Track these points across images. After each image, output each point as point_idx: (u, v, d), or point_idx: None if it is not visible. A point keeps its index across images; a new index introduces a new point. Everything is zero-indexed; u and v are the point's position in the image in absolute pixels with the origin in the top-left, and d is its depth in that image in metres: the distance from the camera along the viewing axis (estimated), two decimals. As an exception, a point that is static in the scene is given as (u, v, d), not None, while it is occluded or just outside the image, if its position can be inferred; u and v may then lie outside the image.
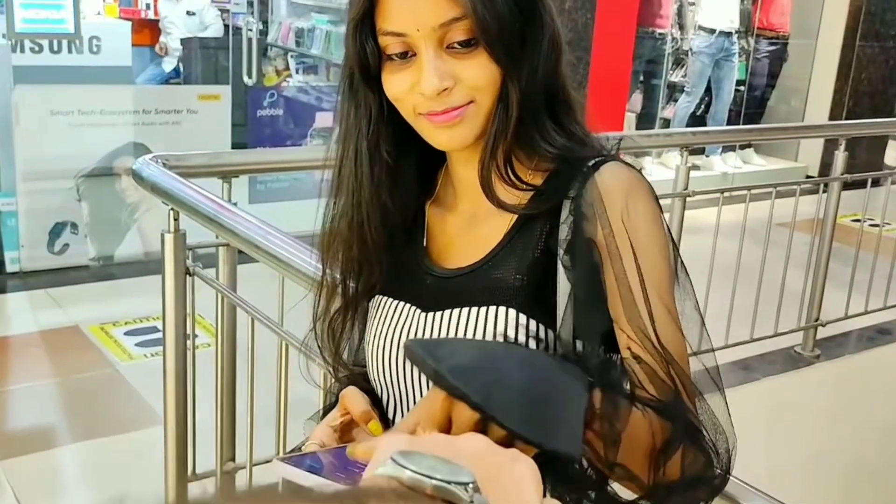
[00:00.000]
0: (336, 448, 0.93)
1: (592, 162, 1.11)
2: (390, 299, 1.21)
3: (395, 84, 1.10)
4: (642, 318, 1.05)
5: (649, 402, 1.02)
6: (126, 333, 4.55)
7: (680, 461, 1.02)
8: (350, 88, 1.16)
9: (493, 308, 1.10)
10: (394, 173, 1.18)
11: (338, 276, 1.24)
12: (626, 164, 1.13)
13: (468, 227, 1.19)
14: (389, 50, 1.09)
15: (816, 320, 4.71)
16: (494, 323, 1.09)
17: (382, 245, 1.20)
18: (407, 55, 1.09)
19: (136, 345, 4.41)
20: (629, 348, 1.06)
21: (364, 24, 1.09)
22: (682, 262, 1.13)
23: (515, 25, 1.07)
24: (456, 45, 1.07)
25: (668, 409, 1.02)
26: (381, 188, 1.17)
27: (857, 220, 5.10)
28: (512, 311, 1.09)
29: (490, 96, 1.09)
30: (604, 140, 1.17)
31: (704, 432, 1.04)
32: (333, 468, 0.90)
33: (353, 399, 1.12)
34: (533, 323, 1.09)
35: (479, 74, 1.07)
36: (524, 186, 1.12)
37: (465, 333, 1.11)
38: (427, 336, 1.14)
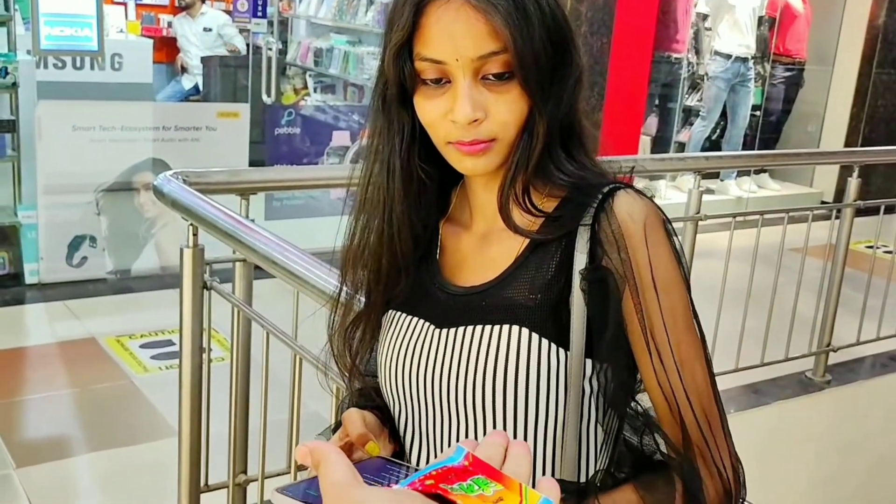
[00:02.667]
0: None
1: (606, 189, 1.14)
2: (404, 314, 1.23)
3: (429, 110, 1.13)
4: (665, 360, 1.09)
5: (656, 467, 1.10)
6: (142, 346, 4.59)
7: None
8: (383, 106, 1.19)
9: (506, 326, 1.12)
10: (420, 190, 1.22)
11: (359, 288, 1.26)
12: (639, 191, 1.15)
13: (481, 247, 1.22)
14: (425, 75, 1.12)
15: (828, 345, 4.70)
16: (508, 341, 1.12)
17: (411, 257, 1.23)
18: (441, 81, 1.11)
19: (152, 357, 4.46)
20: (652, 388, 1.11)
21: (404, 47, 1.12)
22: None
23: (549, 62, 1.11)
24: (491, 77, 1.10)
25: (678, 468, 1.09)
26: (412, 204, 1.21)
27: (871, 247, 5.10)
28: (525, 330, 1.11)
29: (514, 130, 1.12)
30: (614, 166, 1.20)
31: (723, 471, 1.10)
32: None
33: (351, 421, 1.14)
34: (545, 342, 1.11)
35: (508, 110, 1.11)
36: (538, 212, 1.15)
37: (478, 350, 1.13)
38: (440, 353, 1.17)
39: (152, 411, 3.95)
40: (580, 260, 1.12)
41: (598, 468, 1.14)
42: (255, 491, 2.66)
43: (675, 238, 1.14)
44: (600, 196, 1.13)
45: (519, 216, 1.16)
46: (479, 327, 1.15)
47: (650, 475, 1.10)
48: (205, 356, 2.66)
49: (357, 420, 1.13)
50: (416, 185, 1.21)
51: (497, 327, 1.13)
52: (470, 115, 1.09)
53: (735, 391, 4.34)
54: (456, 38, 1.08)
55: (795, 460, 4.24)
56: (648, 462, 1.12)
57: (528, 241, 1.16)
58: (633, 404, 1.14)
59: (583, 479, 1.15)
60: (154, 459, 3.51)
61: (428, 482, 0.75)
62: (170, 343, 4.50)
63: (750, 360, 4.28)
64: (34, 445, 3.71)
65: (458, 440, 1.15)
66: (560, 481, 0.83)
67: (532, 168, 1.14)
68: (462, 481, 0.75)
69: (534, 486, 0.78)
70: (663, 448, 1.11)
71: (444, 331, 1.18)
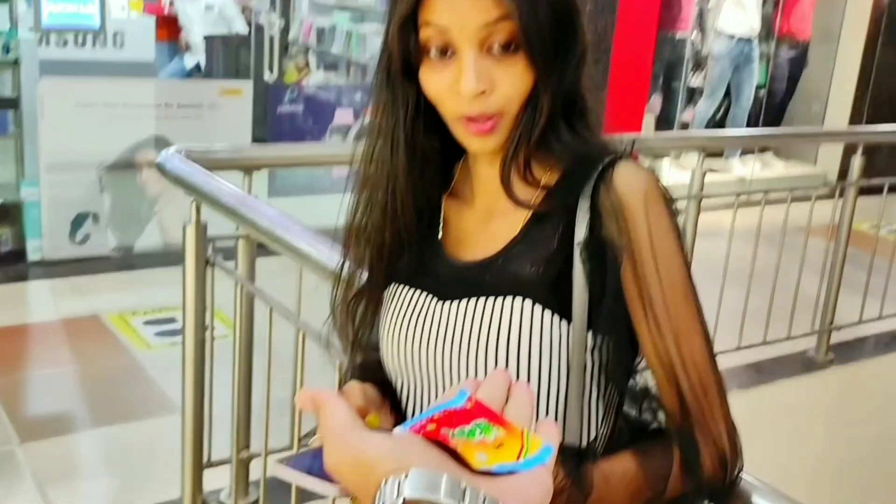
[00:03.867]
0: None
1: (606, 160, 1.14)
2: (406, 287, 1.23)
3: (435, 83, 1.13)
4: (663, 332, 1.10)
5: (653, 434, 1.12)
6: (145, 323, 4.60)
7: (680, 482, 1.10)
8: (387, 80, 1.18)
9: (509, 298, 1.13)
10: (424, 164, 1.22)
11: (362, 263, 1.26)
12: (639, 164, 1.16)
13: (484, 222, 1.22)
14: (430, 44, 1.11)
15: (830, 324, 4.72)
16: (511, 312, 1.12)
17: (414, 231, 1.23)
18: (447, 53, 1.11)
19: (155, 334, 4.47)
20: (650, 358, 1.12)
21: (409, 18, 1.11)
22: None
23: (554, 34, 1.10)
24: (496, 49, 1.10)
25: (675, 436, 1.11)
26: (416, 177, 1.21)
27: (875, 227, 5.10)
28: (528, 302, 1.12)
29: (518, 104, 1.12)
30: (616, 142, 1.20)
31: (720, 441, 1.11)
32: None
33: (352, 394, 1.14)
34: (548, 313, 1.11)
35: (514, 83, 1.10)
36: (540, 185, 1.16)
37: (481, 322, 1.13)
38: (443, 325, 1.17)
39: (156, 388, 3.96)
40: (580, 231, 1.12)
41: (598, 436, 1.15)
42: (258, 467, 2.67)
43: (674, 210, 1.14)
44: (601, 167, 1.13)
45: (521, 189, 1.16)
46: (481, 299, 1.15)
47: (649, 442, 1.12)
48: (208, 333, 2.67)
49: (357, 392, 1.14)
50: (420, 159, 1.21)
51: (500, 299, 1.13)
52: (475, 88, 1.09)
53: (737, 370, 4.35)
54: (461, 5, 1.08)
55: (797, 439, 4.26)
56: (645, 434, 1.14)
57: (530, 214, 1.16)
58: (634, 377, 1.15)
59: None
60: (157, 436, 3.52)
61: (429, 427, 0.75)
62: (173, 320, 4.51)
63: (752, 338, 4.29)
64: (38, 421, 3.73)
65: None
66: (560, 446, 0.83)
67: (535, 141, 1.14)
68: (464, 425, 0.75)
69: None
70: (661, 418, 1.12)
71: (447, 303, 1.18)
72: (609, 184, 1.12)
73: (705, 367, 1.12)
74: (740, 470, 1.14)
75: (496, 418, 0.77)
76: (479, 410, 0.78)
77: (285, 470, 0.91)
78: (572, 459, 1.08)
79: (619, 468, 1.09)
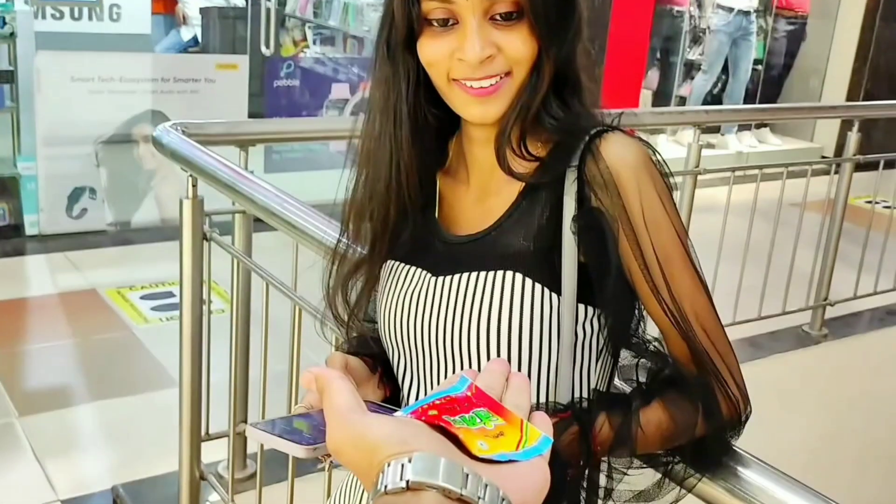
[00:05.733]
0: (322, 411, 0.99)
1: (594, 131, 1.15)
2: (402, 264, 1.25)
3: (434, 49, 1.13)
4: (667, 298, 1.13)
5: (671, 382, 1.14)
6: (142, 297, 4.62)
7: (703, 424, 1.13)
8: (388, 53, 1.18)
9: (500, 272, 1.14)
10: (424, 137, 1.22)
11: (364, 239, 1.27)
12: (628, 133, 1.17)
13: (479, 199, 1.23)
14: (432, 15, 1.12)
15: (825, 300, 4.74)
16: (502, 286, 1.13)
17: (418, 204, 1.24)
18: (448, 23, 1.12)
19: (152, 309, 4.49)
20: (659, 325, 1.16)
21: None
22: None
23: (555, 4, 1.12)
24: (498, 17, 1.10)
25: (695, 388, 1.14)
26: (420, 149, 1.21)
27: (870, 202, 5.11)
28: (519, 276, 1.13)
29: (525, 70, 1.13)
30: (606, 115, 1.20)
31: (733, 390, 1.15)
32: (307, 430, 0.96)
33: (331, 364, 1.17)
34: (539, 287, 1.13)
35: (519, 47, 1.11)
36: (531, 157, 1.16)
37: (473, 297, 1.15)
38: (437, 300, 1.19)
39: (153, 362, 3.98)
40: (568, 203, 1.14)
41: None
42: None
43: (667, 179, 1.15)
44: (587, 138, 1.14)
45: (514, 161, 1.17)
46: (473, 274, 1.16)
47: (675, 393, 1.14)
48: (205, 307, 2.68)
49: (337, 363, 1.16)
50: (422, 131, 1.21)
51: (491, 273, 1.15)
52: (480, 54, 1.10)
53: (733, 344, 4.34)
54: None
55: (792, 413, 4.28)
56: (661, 383, 1.16)
57: (522, 187, 1.17)
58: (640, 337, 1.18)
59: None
60: (155, 409, 3.54)
61: (431, 412, 0.76)
62: (170, 294, 4.53)
63: (748, 313, 4.31)
64: (36, 394, 3.75)
65: None
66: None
67: (532, 112, 1.14)
68: (465, 413, 0.77)
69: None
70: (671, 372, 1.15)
71: (441, 278, 1.19)
72: (596, 155, 1.13)
73: (712, 322, 1.15)
74: (750, 411, 1.18)
75: (496, 407, 0.78)
76: (479, 398, 0.79)
77: (255, 431, 0.93)
78: (617, 414, 1.12)
79: (654, 419, 1.12)
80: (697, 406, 1.13)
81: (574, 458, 1.02)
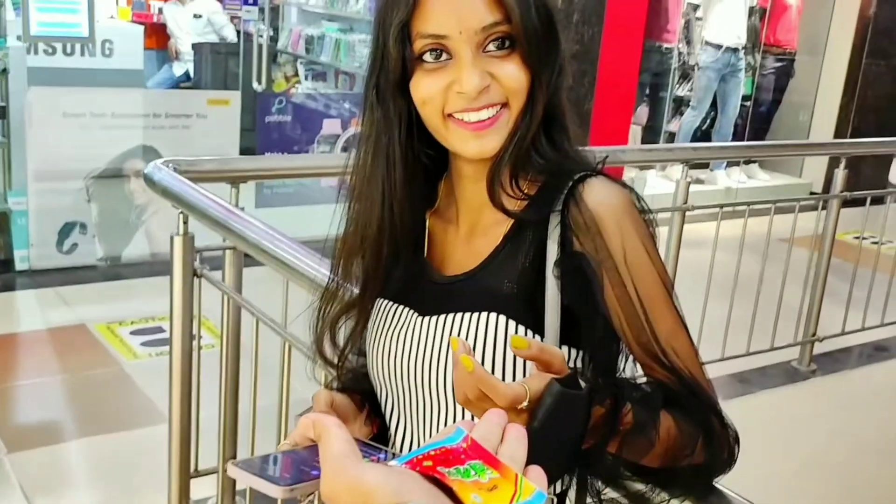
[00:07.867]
0: (307, 448, 0.98)
1: (577, 176, 1.17)
2: (391, 302, 1.26)
3: (429, 85, 1.14)
4: (650, 340, 1.14)
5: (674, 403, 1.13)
6: (132, 333, 4.61)
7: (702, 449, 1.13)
8: (378, 96, 1.19)
9: (485, 314, 1.15)
10: (417, 178, 1.23)
11: (355, 279, 1.27)
12: (611, 177, 1.18)
13: (467, 239, 1.24)
14: (425, 52, 1.13)
15: (813, 335, 4.75)
16: (486, 328, 1.15)
17: (411, 245, 1.25)
18: (440, 58, 1.13)
19: (142, 344, 4.48)
20: (644, 365, 1.16)
21: (406, 26, 1.12)
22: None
23: (543, 37, 1.14)
24: (492, 48, 1.12)
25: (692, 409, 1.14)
26: (412, 191, 1.22)
27: (858, 237, 5.14)
28: (503, 318, 1.14)
29: (521, 101, 1.15)
30: (590, 156, 1.22)
31: (724, 418, 1.16)
32: (288, 469, 0.97)
33: (318, 402, 1.18)
34: (522, 329, 1.14)
35: (514, 75, 1.13)
36: (521, 194, 1.18)
37: (458, 336, 1.16)
38: (422, 339, 1.20)
39: (142, 397, 3.97)
40: (551, 247, 1.15)
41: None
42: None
43: (650, 221, 1.17)
44: (570, 183, 1.16)
45: (504, 198, 1.18)
46: (458, 315, 1.17)
47: (680, 410, 1.13)
48: (195, 343, 2.68)
49: (322, 401, 1.17)
50: (413, 172, 1.22)
51: (476, 314, 1.16)
52: (478, 84, 1.11)
53: (721, 380, 4.36)
54: (458, 11, 1.10)
55: (780, 449, 4.27)
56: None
57: (509, 227, 1.19)
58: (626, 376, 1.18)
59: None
60: (144, 445, 3.53)
61: (426, 463, 0.76)
62: (160, 330, 4.52)
63: (736, 349, 4.31)
64: (25, 430, 3.73)
65: (442, 425, 1.18)
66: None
67: (526, 146, 1.16)
68: (459, 465, 0.77)
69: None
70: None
71: (427, 318, 1.21)
72: (580, 199, 1.14)
73: (692, 363, 1.16)
74: (738, 451, 1.18)
75: (491, 460, 0.79)
76: (475, 451, 0.79)
77: (235, 470, 0.94)
78: (641, 406, 1.09)
79: (665, 423, 1.10)
80: (698, 428, 1.13)
81: (596, 430, 1.01)
